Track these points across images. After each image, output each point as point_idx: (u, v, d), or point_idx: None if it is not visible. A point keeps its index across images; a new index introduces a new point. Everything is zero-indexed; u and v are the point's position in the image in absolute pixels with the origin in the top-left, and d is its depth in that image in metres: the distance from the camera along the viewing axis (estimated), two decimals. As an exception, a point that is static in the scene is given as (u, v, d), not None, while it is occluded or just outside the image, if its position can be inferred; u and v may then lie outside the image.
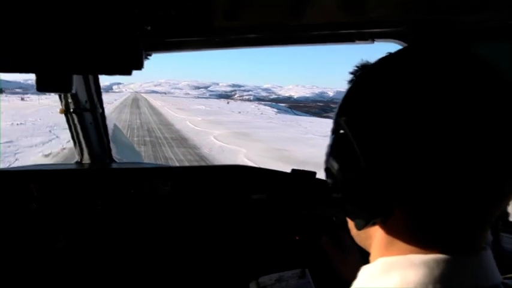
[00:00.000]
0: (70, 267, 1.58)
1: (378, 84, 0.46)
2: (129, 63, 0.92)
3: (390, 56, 0.49)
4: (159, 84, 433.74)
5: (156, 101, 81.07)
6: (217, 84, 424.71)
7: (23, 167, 2.02)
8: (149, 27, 0.96)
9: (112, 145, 2.21)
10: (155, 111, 46.90)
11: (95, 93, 1.89)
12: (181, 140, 18.77)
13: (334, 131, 0.50)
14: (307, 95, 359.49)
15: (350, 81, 0.51)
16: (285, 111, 64.48)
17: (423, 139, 0.41)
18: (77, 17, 0.88)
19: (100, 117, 1.98)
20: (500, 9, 0.96)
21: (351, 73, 0.52)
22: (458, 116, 0.41)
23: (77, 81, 1.73)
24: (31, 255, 1.56)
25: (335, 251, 1.04)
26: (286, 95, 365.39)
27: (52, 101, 58.30)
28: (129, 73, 0.93)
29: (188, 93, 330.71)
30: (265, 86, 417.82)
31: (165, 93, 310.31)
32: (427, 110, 0.41)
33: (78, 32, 0.89)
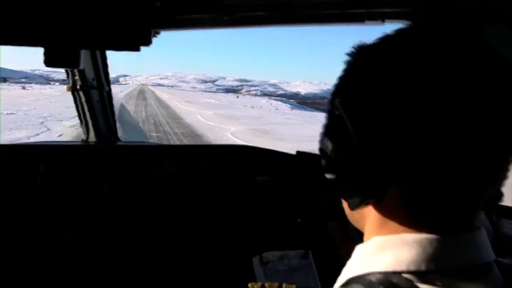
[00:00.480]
0: (74, 247, 1.56)
1: (373, 64, 0.46)
2: (138, 39, 0.91)
3: (386, 37, 0.48)
4: (166, 78, 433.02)
5: (163, 94, 79.01)
6: (224, 78, 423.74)
7: (29, 142, 2.05)
8: (158, 3, 0.94)
9: (118, 125, 2.17)
10: (162, 103, 44.48)
11: (102, 71, 1.86)
12: (193, 137, 16.25)
13: (329, 112, 0.50)
14: (315, 92, 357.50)
15: (346, 62, 0.50)
16: (298, 107, 61.48)
17: (418, 119, 0.42)
18: None
19: (106, 96, 1.94)
20: None
21: (347, 54, 0.50)
22: (453, 97, 0.41)
23: (85, 58, 1.69)
24: (35, 233, 1.53)
25: (340, 237, 1.03)
26: (294, 91, 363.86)
27: (54, 91, 56.78)
28: (137, 49, 0.93)
29: (195, 87, 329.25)
30: (272, 81, 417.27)
31: (171, 86, 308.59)
32: (422, 91, 0.42)
33: (87, 6, 0.89)
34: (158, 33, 1.12)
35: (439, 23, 0.46)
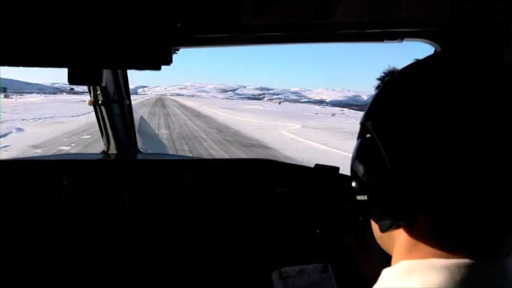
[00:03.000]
0: (94, 255, 1.62)
1: (405, 89, 0.47)
2: (159, 59, 0.95)
3: (418, 63, 0.50)
4: (185, 88, 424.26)
5: (187, 101, 64.40)
6: (245, 87, 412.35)
7: (51, 156, 2.06)
8: (179, 24, 0.96)
9: (138, 136, 2.19)
10: (193, 112, 29.35)
11: (123, 86, 1.90)
12: None
13: (361, 135, 0.51)
14: (340, 99, 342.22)
15: (377, 87, 0.51)
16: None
17: (449, 144, 0.42)
18: (108, 14, 0.91)
19: (127, 109, 1.99)
20: None
21: (378, 79, 0.52)
22: (485, 124, 0.42)
23: (106, 73, 1.72)
24: (57, 243, 1.60)
25: (359, 251, 1.04)
26: (317, 98, 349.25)
27: (42, 99, 43.27)
28: (158, 68, 0.97)
29: (215, 96, 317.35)
30: (294, 89, 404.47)
31: (191, 96, 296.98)
32: (453, 117, 0.42)
33: (109, 28, 0.93)
34: (178, 50, 1.13)
35: (469, 48, 0.46)
